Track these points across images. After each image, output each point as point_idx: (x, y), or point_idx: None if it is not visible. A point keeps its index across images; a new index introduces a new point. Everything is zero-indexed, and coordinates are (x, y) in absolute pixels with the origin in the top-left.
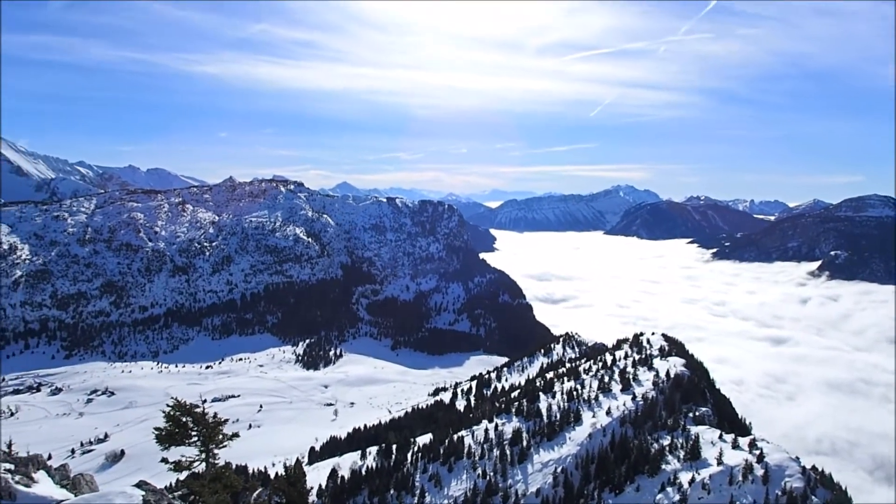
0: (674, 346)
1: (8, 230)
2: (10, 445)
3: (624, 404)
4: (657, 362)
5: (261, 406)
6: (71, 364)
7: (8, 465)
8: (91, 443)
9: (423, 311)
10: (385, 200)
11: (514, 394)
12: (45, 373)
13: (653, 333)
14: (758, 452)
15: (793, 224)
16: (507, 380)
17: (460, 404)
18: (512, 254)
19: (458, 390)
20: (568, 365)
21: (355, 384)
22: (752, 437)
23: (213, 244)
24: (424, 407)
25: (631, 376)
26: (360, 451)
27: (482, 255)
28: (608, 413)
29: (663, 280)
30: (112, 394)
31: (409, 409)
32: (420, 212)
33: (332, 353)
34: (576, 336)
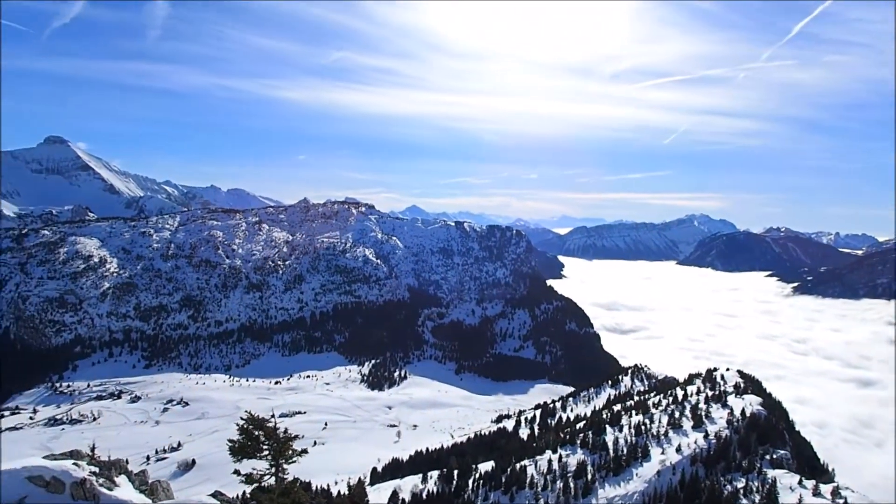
0: (750, 384)
1: (99, 244)
2: (93, 449)
3: (695, 442)
4: (732, 400)
5: (326, 424)
6: (150, 373)
7: (93, 469)
8: (165, 451)
9: (488, 337)
10: (453, 224)
11: (580, 425)
12: (126, 381)
13: (727, 369)
14: (841, 502)
15: (882, 259)
16: (572, 410)
17: (524, 433)
18: (580, 281)
19: (522, 418)
20: (636, 398)
21: (418, 407)
22: (834, 484)
23: (286, 263)
24: (487, 434)
25: (703, 413)
26: (421, 475)
27: (549, 282)
28: (678, 450)
29: (739, 314)
30: (186, 404)
31: (472, 435)
32: (488, 236)
33: (396, 374)
34: (645, 368)
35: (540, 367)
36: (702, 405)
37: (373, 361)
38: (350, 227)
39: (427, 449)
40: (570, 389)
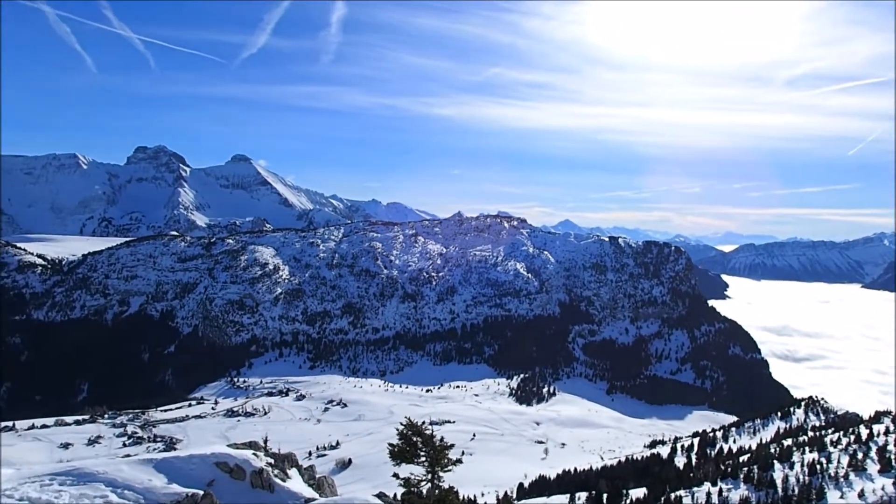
0: None
1: (274, 253)
2: (265, 441)
3: (882, 489)
4: None
5: (474, 435)
6: (314, 374)
7: (269, 460)
8: (325, 448)
9: (643, 357)
10: (607, 239)
11: (743, 458)
12: (293, 380)
13: None
14: None
15: None
16: (735, 441)
17: (679, 461)
18: (746, 303)
19: (678, 446)
20: (810, 433)
21: (567, 425)
22: None
23: (440, 274)
24: (639, 458)
25: (893, 456)
26: (568, 495)
27: (711, 303)
28: (861, 496)
29: None
30: (345, 405)
31: (623, 459)
32: (644, 253)
33: (545, 390)
34: (821, 401)
35: (699, 392)
36: (891, 447)
37: (521, 375)
38: (502, 241)
39: (575, 469)
40: (733, 419)
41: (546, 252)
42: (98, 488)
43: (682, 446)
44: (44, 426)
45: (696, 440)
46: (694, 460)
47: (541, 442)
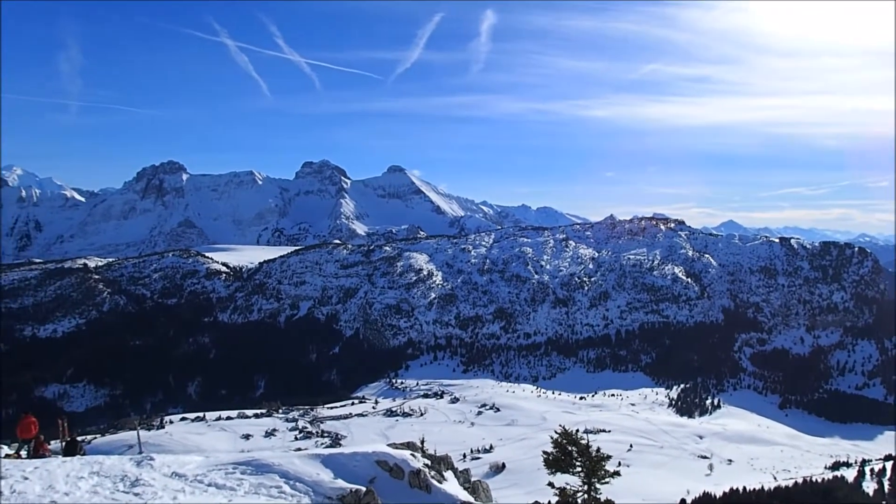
0: None
1: (427, 259)
2: (422, 442)
3: None
4: None
5: (631, 446)
6: (467, 378)
7: (426, 461)
8: (479, 451)
9: (822, 370)
10: (777, 241)
11: None
12: (447, 382)
13: None
14: None
15: None
16: None
17: (868, 486)
18: None
19: (867, 469)
20: None
21: (734, 440)
22: None
23: (592, 279)
24: (819, 481)
25: None
26: None
27: None
28: None
29: None
30: (498, 410)
31: (800, 480)
32: (821, 254)
33: (708, 402)
34: None
35: (892, 410)
36: None
37: (681, 386)
38: (658, 244)
39: (744, 488)
40: None
41: (707, 255)
42: (273, 479)
43: (872, 470)
44: (228, 418)
45: (888, 464)
46: (887, 486)
47: (704, 457)
